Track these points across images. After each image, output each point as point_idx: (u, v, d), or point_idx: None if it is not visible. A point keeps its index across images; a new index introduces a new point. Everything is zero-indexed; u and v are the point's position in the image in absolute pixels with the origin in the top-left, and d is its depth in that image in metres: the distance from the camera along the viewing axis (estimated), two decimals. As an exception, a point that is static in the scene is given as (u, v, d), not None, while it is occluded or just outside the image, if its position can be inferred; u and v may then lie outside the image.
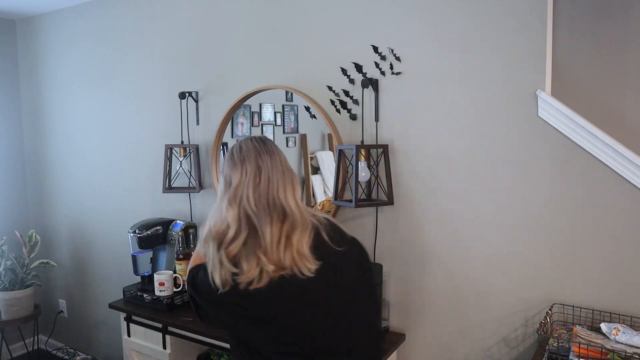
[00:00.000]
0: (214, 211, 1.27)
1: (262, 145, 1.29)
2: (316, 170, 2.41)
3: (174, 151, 2.59)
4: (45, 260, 3.28)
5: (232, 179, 1.26)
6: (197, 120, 2.61)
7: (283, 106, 2.39)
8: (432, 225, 1.97)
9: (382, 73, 2.01)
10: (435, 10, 1.87)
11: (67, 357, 3.51)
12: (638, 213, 1.60)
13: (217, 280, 1.19)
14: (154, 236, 2.46)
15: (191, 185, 2.57)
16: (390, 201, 1.99)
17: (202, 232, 1.26)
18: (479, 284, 1.89)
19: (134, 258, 2.49)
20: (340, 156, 2.07)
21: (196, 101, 2.60)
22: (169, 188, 2.58)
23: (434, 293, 2.00)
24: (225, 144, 2.52)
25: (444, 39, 1.87)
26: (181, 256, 2.40)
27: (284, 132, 2.42)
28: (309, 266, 1.20)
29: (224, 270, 1.18)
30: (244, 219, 1.21)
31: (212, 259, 1.21)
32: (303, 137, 2.40)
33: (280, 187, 1.24)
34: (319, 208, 2.34)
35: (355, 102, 2.09)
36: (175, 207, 2.71)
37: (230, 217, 1.21)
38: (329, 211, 2.22)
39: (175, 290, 2.34)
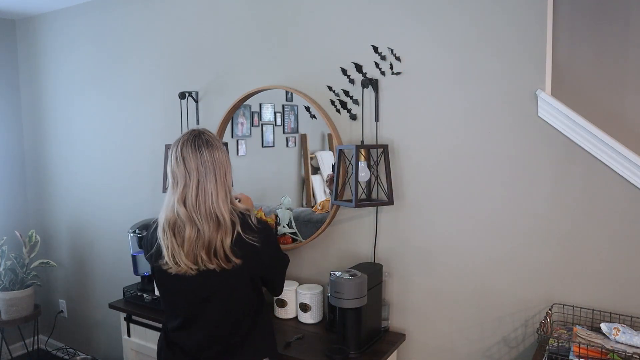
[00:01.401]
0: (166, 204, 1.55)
1: (194, 142, 1.52)
2: (316, 170, 2.42)
3: (174, 151, 2.59)
4: (45, 260, 3.28)
5: (177, 179, 1.52)
6: (197, 120, 2.61)
7: (283, 106, 2.39)
8: (432, 225, 1.97)
9: (382, 73, 2.01)
10: (436, 11, 1.88)
11: (67, 357, 3.51)
12: (638, 213, 1.60)
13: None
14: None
15: (191, 185, 2.57)
16: (390, 201, 1.99)
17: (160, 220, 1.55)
18: (479, 284, 1.89)
19: (134, 258, 2.49)
20: (340, 156, 2.07)
21: (196, 101, 2.60)
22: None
23: (434, 293, 2.00)
24: (225, 144, 2.52)
25: (444, 39, 1.87)
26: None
27: (284, 132, 2.42)
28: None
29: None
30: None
31: (170, 242, 1.51)
32: (303, 137, 2.40)
33: (213, 196, 1.50)
34: (319, 208, 2.34)
35: (355, 102, 2.09)
36: (175, 207, 2.70)
37: (182, 213, 1.50)
38: (328, 211, 2.22)
39: (175, 290, 2.34)
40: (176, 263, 1.51)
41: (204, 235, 1.48)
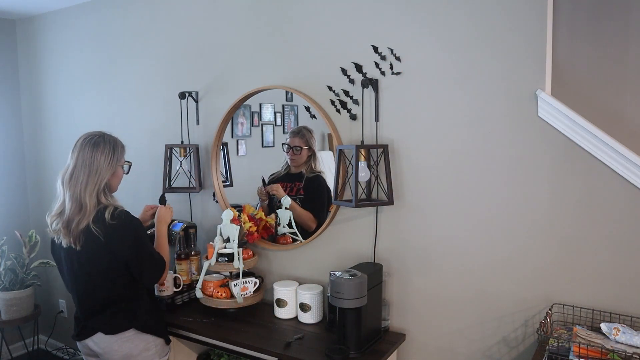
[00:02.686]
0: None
1: (86, 140, 1.90)
2: (316, 170, 2.41)
3: (174, 151, 2.59)
4: (45, 260, 3.27)
5: (67, 161, 1.92)
6: (197, 120, 2.61)
7: (283, 106, 2.39)
8: (432, 225, 1.97)
9: (382, 73, 2.01)
10: (436, 11, 1.87)
11: (67, 357, 3.51)
12: (638, 213, 1.60)
13: None
14: (154, 236, 2.46)
15: (191, 185, 2.57)
16: (390, 201, 1.99)
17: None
18: (479, 283, 1.89)
19: (134, 258, 2.49)
20: (340, 156, 2.07)
21: (196, 101, 2.60)
22: (169, 188, 2.58)
23: (434, 293, 2.00)
24: (225, 144, 2.52)
25: (444, 39, 1.87)
26: (182, 256, 2.40)
27: (284, 132, 2.42)
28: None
29: None
30: None
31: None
32: (303, 137, 2.40)
33: (82, 184, 1.86)
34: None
35: (355, 102, 2.09)
36: (175, 207, 2.70)
37: (58, 186, 1.96)
38: (329, 211, 2.22)
39: (175, 290, 2.35)
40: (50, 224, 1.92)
41: (65, 212, 1.85)
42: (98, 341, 1.95)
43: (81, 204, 1.83)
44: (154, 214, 2.23)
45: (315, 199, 2.36)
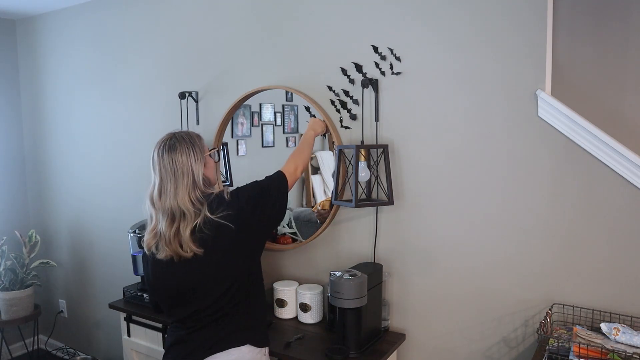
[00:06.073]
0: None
1: (161, 147, 1.65)
2: (316, 170, 2.41)
3: (174, 151, 2.59)
4: (45, 260, 3.28)
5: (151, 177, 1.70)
6: (197, 120, 2.61)
7: (283, 106, 2.39)
8: (432, 225, 1.97)
9: (382, 73, 2.01)
10: (436, 11, 1.88)
11: (67, 357, 3.51)
12: (638, 213, 1.60)
13: None
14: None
15: (191, 185, 2.57)
16: (390, 201, 1.99)
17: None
18: (479, 283, 1.89)
19: (133, 258, 2.49)
20: (340, 156, 2.07)
21: (196, 101, 2.60)
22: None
23: (434, 293, 2.00)
24: (225, 144, 2.52)
25: (444, 39, 1.87)
26: (181, 256, 2.39)
27: (284, 132, 2.42)
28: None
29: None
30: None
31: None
32: (303, 137, 2.39)
33: (171, 194, 1.62)
34: (319, 208, 2.34)
35: (355, 102, 2.09)
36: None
37: (148, 207, 1.75)
38: (326, 209, 2.21)
39: (175, 290, 2.34)
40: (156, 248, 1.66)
41: (161, 231, 1.63)
42: None
43: (173, 213, 1.61)
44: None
45: None
